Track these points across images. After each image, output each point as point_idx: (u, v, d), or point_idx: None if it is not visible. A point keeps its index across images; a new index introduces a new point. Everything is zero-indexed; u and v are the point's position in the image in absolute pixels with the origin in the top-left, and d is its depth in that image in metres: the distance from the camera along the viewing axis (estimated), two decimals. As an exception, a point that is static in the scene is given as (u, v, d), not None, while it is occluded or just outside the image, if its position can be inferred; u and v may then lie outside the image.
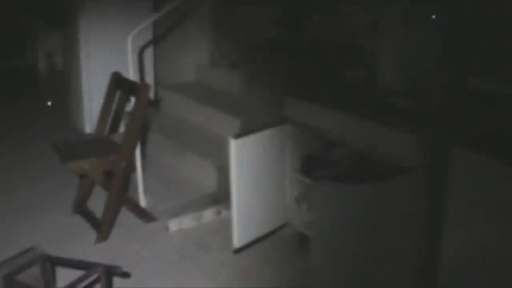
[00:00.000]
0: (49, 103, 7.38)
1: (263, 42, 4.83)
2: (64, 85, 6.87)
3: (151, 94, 5.98)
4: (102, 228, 4.21)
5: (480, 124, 3.20)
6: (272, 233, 4.18)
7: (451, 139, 2.82)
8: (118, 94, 4.74)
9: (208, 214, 4.50)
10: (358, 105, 3.61)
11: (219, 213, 4.53)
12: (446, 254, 2.87)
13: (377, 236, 3.31)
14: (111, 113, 4.77)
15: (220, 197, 4.56)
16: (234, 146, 3.72)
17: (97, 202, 4.52)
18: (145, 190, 4.61)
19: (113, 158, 4.20)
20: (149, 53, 6.18)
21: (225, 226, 4.13)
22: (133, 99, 4.35)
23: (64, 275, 3.43)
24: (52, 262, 3.41)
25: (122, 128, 5.23)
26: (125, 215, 4.49)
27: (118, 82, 4.61)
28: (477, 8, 3.42)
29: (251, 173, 3.91)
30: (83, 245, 4.11)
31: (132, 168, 4.43)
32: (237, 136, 3.76)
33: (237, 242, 3.93)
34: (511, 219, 2.53)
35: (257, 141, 3.91)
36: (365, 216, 3.27)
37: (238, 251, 3.95)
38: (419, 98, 3.50)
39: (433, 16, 3.50)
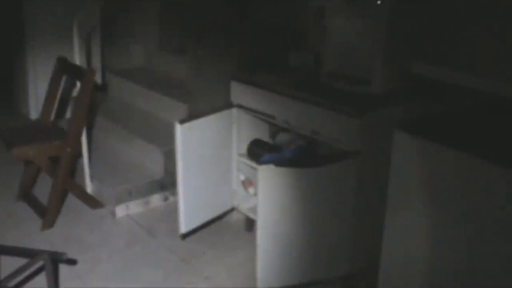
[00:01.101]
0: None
1: (210, 26, 4.80)
2: (8, 70, 6.73)
3: (98, 79, 5.91)
4: (48, 214, 4.17)
5: (422, 109, 3.26)
6: (219, 218, 4.20)
7: (393, 123, 2.87)
8: (64, 79, 4.69)
9: (155, 200, 4.50)
10: (302, 90, 3.64)
11: (166, 198, 4.54)
12: (387, 236, 2.92)
13: (323, 218, 3.37)
14: (57, 98, 4.71)
15: (167, 183, 4.56)
16: (180, 131, 3.71)
17: (43, 189, 4.47)
18: (92, 176, 4.58)
19: (58, 143, 4.15)
20: (96, 37, 6.09)
21: (172, 212, 4.14)
22: (79, 84, 4.30)
23: (8, 263, 3.39)
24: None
25: (68, 114, 5.18)
26: (71, 201, 4.46)
27: (63, 67, 4.55)
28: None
29: (197, 158, 3.91)
30: (29, 232, 4.07)
31: (79, 154, 4.40)
32: (183, 121, 3.75)
33: (184, 227, 3.93)
34: (448, 202, 2.59)
35: (203, 125, 3.90)
36: (308, 200, 3.32)
37: (185, 236, 3.96)
38: (363, 82, 3.54)
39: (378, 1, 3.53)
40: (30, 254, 3.39)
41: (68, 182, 4.35)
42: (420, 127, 2.78)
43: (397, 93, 3.49)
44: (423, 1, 3.52)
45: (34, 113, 5.96)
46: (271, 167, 3.28)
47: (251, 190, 4.16)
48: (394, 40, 3.50)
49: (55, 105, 4.76)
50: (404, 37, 3.54)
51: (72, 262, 3.68)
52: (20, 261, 3.27)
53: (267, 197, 3.30)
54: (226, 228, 4.18)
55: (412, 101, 3.42)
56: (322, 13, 3.93)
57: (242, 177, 4.21)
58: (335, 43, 3.78)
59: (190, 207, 3.92)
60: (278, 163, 3.38)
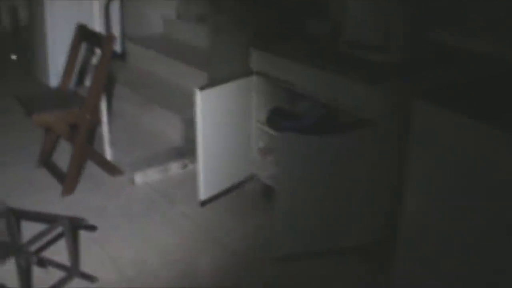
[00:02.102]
0: (13, 57, 7.25)
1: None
2: (29, 39, 6.75)
3: (118, 47, 5.91)
4: (67, 181, 4.19)
5: (442, 78, 3.22)
6: (238, 185, 4.20)
7: (413, 92, 2.83)
8: (83, 46, 4.68)
9: (174, 167, 4.51)
10: (321, 58, 3.61)
11: (185, 166, 4.54)
12: (405, 206, 2.91)
13: (340, 187, 3.36)
14: (76, 66, 4.71)
15: (186, 150, 4.56)
16: (200, 98, 3.70)
17: (63, 156, 4.50)
18: (111, 143, 4.59)
19: (77, 110, 4.16)
20: (115, 5, 6.08)
21: (191, 179, 4.13)
22: (98, 51, 4.29)
23: (29, 228, 3.42)
24: (16, 215, 3.39)
25: (88, 81, 5.18)
26: (90, 169, 4.48)
27: (83, 34, 4.53)
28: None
29: (217, 125, 3.90)
30: (48, 198, 4.10)
31: (97, 121, 4.40)
32: (203, 87, 3.75)
33: (202, 194, 3.94)
34: (468, 173, 2.57)
35: (223, 92, 3.90)
36: (327, 167, 3.31)
37: (204, 203, 3.97)
38: (382, 51, 3.50)
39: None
40: (50, 219, 3.41)
41: (87, 149, 4.36)
42: (440, 96, 2.75)
43: (417, 62, 3.44)
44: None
45: (53, 80, 5.96)
46: (290, 134, 3.28)
47: (269, 157, 4.15)
48: (414, 6, 3.45)
49: (75, 73, 4.76)
50: (424, 2, 3.48)
51: (91, 228, 3.71)
52: (40, 227, 3.29)
53: (286, 164, 3.30)
54: (245, 195, 4.19)
55: (432, 70, 3.38)
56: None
57: (261, 145, 4.20)
58: (355, 10, 3.73)
59: (209, 174, 3.93)
60: (297, 130, 3.37)
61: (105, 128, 4.52)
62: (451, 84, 2.93)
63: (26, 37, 6.98)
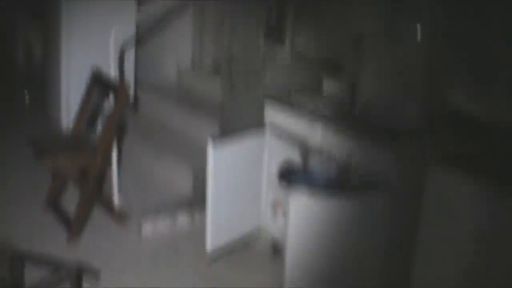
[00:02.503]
0: (26, 95, 7.29)
1: (246, 49, 4.81)
2: (42, 77, 6.79)
3: (130, 94, 5.94)
4: (74, 225, 4.16)
5: (457, 142, 3.21)
6: (246, 237, 4.16)
7: (429, 156, 2.83)
8: (97, 91, 4.70)
9: (182, 217, 4.47)
10: (336, 117, 3.62)
11: (193, 216, 4.51)
12: (418, 268, 2.88)
13: (351, 247, 3.32)
14: (89, 110, 4.73)
15: (195, 200, 4.53)
16: (212, 149, 3.70)
17: (71, 199, 4.47)
18: (120, 190, 4.57)
19: (88, 155, 4.16)
20: (131, 51, 6.13)
21: (199, 230, 4.10)
22: (112, 97, 4.31)
23: (34, 271, 3.38)
24: (21, 258, 3.35)
25: (100, 125, 5.19)
26: (98, 214, 4.44)
27: (97, 79, 4.57)
28: (461, 23, 3.43)
29: (228, 176, 3.89)
30: (54, 242, 4.06)
31: (107, 167, 4.40)
32: (215, 138, 3.75)
33: (210, 245, 3.90)
34: (482, 237, 2.55)
35: (235, 144, 3.90)
36: (338, 227, 3.28)
37: (211, 255, 3.93)
38: (399, 113, 3.51)
39: (416, 31, 3.51)
40: (55, 263, 3.38)
41: (96, 194, 4.34)
42: (455, 161, 2.75)
43: (433, 125, 3.44)
44: (466, 29, 3.48)
45: (65, 121, 5.97)
46: (301, 191, 3.26)
47: (279, 211, 4.12)
48: (432, 70, 3.47)
49: (87, 117, 4.77)
50: (442, 66, 3.50)
51: (96, 274, 3.66)
52: (45, 270, 3.25)
53: (295, 221, 3.28)
54: (253, 249, 4.15)
55: (449, 134, 3.37)
56: (361, 41, 3.92)
57: (271, 198, 4.18)
58: (372, 72, 3.77)
59: (218, 225, 3.89)
60: (310, 188, 3.35)
61: (114, 174, 4.51)
62: (468, 149, 2.93)
63: (40, 75, 7.02)
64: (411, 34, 3.53)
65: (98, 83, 4.58)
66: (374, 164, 3.28)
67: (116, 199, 4.56)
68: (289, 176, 4.01)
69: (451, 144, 3.22)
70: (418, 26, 3.47)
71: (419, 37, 3.50)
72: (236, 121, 4.33)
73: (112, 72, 4.48)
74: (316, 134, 3.69)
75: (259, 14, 5.12)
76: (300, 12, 4.82)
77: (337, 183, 3.84)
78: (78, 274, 3.39)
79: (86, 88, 4.63)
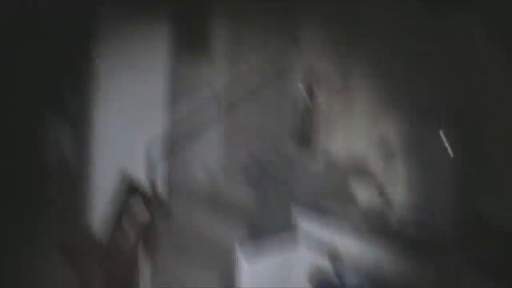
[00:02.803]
0: (53, 196, 7.33)
1: (275, 154, 4.87)
2: (71, 181, 6.85)
3: (162, 199, 5.97)
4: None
5: (488, 251, 3.17)
6: None
7: (459, 266, 2.79)
8: (129, 197, 4.73)
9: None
10: (368, 225, 3.60)
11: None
12: None
13: None
14: (119, 216, 4.74)
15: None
16: (240, 254, 3.69)
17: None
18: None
19: (121, 263, 4.15)
20: (160, 155, 6.19)
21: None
22: (143, 203, 4.34)
23: None
24: None
25: (126, 225, 5.19)
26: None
27: (128, 186, 4.61)
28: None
29: (257, 281, 3.85)
30: None
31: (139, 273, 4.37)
32: (244, 244, 3.74)
33: None
34: None
35: (264, 250, 3.88)
36: None
37: None
38: (429, 223, 3.49)
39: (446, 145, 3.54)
40: None
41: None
42: (486, 270, 2.70)
43: (467, 238, 3.40)
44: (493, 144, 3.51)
45: (94, 224, 5.98)
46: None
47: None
48: (463, 181, 3.47)
49: (117, 222, 4.78)
50: (473, 178, 3.50)
51: None
52: None
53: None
54: None
55: (479, 244, 3.33)
56: (390, 150, 3.96)
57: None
58: (402, 181, 3.78)
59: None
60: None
61: (146, 280, 4.47)
62: (499, 258, 2.89)
63: (68, 176, 7.07)
64: (442, 148, 3.56)
65: (130, 189, 4.61)
66: (404, 275, 3.24)
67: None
68: (318, 283, 3.96)
69: (482, 253, 3.17)
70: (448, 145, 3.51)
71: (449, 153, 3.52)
72: (265, 226, 4.33)
73: (143, 177, 4.53)
74: (346, 241, 3.66)
75: (288, 119, 5.23)
76: (329, 117, 4.88)
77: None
78: None
79: (117, 194, 4.66)
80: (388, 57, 4.62)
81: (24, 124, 9.04)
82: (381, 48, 4.68)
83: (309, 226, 3.99)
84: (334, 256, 4.09)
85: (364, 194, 4.19)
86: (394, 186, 3.88)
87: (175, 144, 6.31)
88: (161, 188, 5.90)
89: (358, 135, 4.71)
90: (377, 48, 4.72)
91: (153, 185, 5.71)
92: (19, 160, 8.71)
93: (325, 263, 4.16)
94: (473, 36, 4.04)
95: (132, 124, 5.90)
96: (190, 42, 6.76)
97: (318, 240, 3.88)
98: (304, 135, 4.85)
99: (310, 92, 4.79)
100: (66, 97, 7.90)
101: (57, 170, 8.28)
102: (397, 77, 4.48)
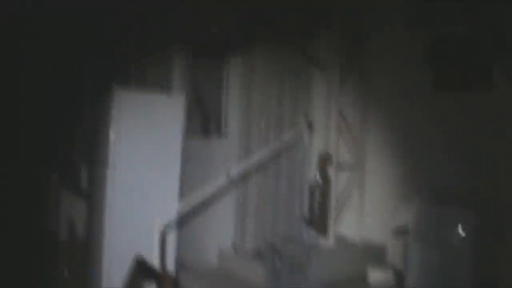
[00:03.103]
0: (66, 274, 7.28)
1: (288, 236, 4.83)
2: (84, 255, 6.80)
3: (173, 280, 5.90)
4: None
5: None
6: None
7: None
8: (140, 277, 4.68)
9: None
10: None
11: None
12: None
13: None
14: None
15: None
16: None
17: None
18: None
19: None
20: (172, 233, 6.16)
21: None
22: (153, 282, 4.29)
23: None
24: None
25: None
26: None
27: (140, 265, 4.56)
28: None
29: None
30: None
31: None
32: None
33: None
34: None
35: None
36: None
37: None
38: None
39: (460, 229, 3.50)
40: None
41: None
42: None
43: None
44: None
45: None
46: None
47: None
48: (480, 261, 3.41)
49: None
50: (490, 257, 3.44)
51: None
52: None
53: None
54: None
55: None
56: (405, 231, 3.91)
57: None
58: (418, 263, 3.71)
59: None
60: None
61: None
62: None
63: (81, 252, 7.03)
64: (460, 230, 3.51)
65: (141, 270, 4.56)
66: None
67: None
68: None
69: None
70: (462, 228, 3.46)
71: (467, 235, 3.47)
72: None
73: (154, 257, 4.48)
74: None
75: (302, 201, 5.20)
76: (342, 201, 4.86)
77: None
78: None
79: (129, 274, 4.61)
80: (403, 140, 4.62)
81: (36, 195, 9.09)
82: (395, 132, 4.69)
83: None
84: None
85: (378, 276, 4.12)
86: (409, 267, 3.80)
87: (187, 222, 6.28)
88: (172, 265, 5.86)
89: (373, 218, 4.68)
90: (391, 132, 4.73)
91: (163, 262, 5.67)
92: (32, 232, 8.73)
93: None
94: (495, 115, 4.06)
95: (145, 199, 5.89)
96: (204, 119, 6.81)
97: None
98: (318, 217, 4.80)
99: (324, 175, 4.77)
100: (80, 171, 7.94)
101: (68, 243, 8.26)
102: (413, 159, 4.47)
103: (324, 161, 4.79)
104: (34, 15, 8.13)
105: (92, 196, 6.70)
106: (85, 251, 6.83)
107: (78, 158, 9.28)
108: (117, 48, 8.05)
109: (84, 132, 8.97)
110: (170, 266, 5.57)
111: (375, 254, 4.46)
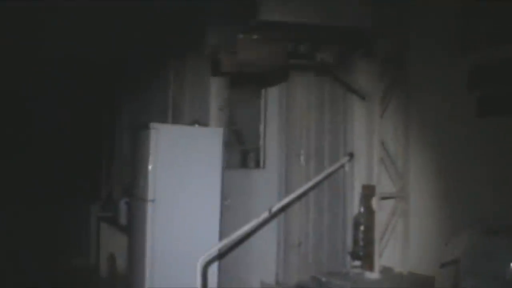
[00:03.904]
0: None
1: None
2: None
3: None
4: None
5: None
6: None
7: None
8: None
9: None
10: None
11: None
12: None
13: None
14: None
15: None
16: None
17: None
18: None
19: None
20: (214, 267, 6.11)
21: None
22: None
23: None
24: None
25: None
26: None
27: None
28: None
29: None
30: None
31: None
32: None
33: None
34: None
35: None
36: None
37: None
38: None
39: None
40: None
41: None
42: None
43: None
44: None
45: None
46: None
47: None
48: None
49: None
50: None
51: None
52: None
53: None
54: None
55: None
56: (455, 263, 3.81)
57: None
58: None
59: None
60: None
61: None
62: None
63: (122, 287, 7.04)
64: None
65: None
66: None
67: None
68: None
69: None
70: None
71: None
72: None
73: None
74: None
75: (343, 231, 5.11)
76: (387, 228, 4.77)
77: None
78: None
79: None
80: (447, 168, 4.53)
81: (78, 230, 9.15)
82: (440, 161, 4.60)
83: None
84: None
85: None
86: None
87: (228, 255, 6.23)
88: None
89: (419, 249, 4.57)
90: (435, 161, 4.64)
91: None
92: (73, 267, 8.75)
93: None
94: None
95: (185, 232, 5.87)
96: (242, 150, 6.80)
97: None
98: (362, 249, 4.71)
99: (368, 206, 4.69)
100: (120, 205, 7.98)
101: (109, 278, 8.27)
102: (460, 188, 4.38)
103: (368, 192, 4.71)
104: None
105: (132, 230, 6.71)
106: (125, 286, 6.82)
107: (118, 192, 9.35)
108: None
109: (124, 165, 9.04)
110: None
111: (422, 286, 4.33)
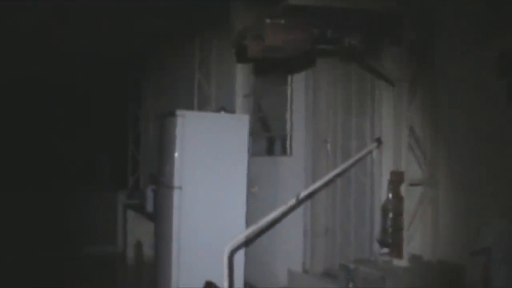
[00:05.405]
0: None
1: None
2: (152, 277, 6.83)
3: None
4: None
5: None
6: None
7: None
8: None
9: None
10: None
11: None
12: None
13: None
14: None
15: None
16: None
17: None
18: None
19: None
20: (240, 255, 6.10)
21: None
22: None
23: None
24: None
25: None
26: None
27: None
28: None
29: None
30: None
31: None
32: None
33: None
34: None
35: None
36: None
37: None
38: None
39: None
40: None
41: None
42: None
43: None
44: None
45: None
46: None
47: None
48: None
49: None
50: None
51: None
52: None
53: None
54: None
55: None
56: (486, 251, 3.76)
57: None
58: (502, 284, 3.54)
59: None
60: None
61: None
62: None
63: (149, 274, 7.07)
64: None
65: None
66: None
67: None
68: None
69: None
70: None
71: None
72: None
73: (223, 279, 4.44)
74: None
75: (371, 218, 5.06)
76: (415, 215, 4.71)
77: None
78: None
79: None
80: (476, 155, 4.45)
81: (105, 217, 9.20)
82: (469, 147, 4.53)
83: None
84: None
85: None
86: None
87: (255, 243, 6.21)
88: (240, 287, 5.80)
89: (448, 237, 4.50)
90: (464, 147, 4.57)
91: (231, 284, 5.61)
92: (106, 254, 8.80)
93: None
94: None
95: (212, 220, 5.87)
96: (269, 138, 6.77)
97: None
98: (391, 237, 4.65)
99: (396, 193, 4.63)
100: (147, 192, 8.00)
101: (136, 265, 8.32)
102: (489, 175, 4.31)
103: (396, 178, 4.64)
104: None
105: (159, 218, 6.73)
106: (152, 273, 6.85)
107: (144, 180, 9.39)
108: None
109: (151, 153, 9.07)
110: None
111: (452, 274, 4.27)
